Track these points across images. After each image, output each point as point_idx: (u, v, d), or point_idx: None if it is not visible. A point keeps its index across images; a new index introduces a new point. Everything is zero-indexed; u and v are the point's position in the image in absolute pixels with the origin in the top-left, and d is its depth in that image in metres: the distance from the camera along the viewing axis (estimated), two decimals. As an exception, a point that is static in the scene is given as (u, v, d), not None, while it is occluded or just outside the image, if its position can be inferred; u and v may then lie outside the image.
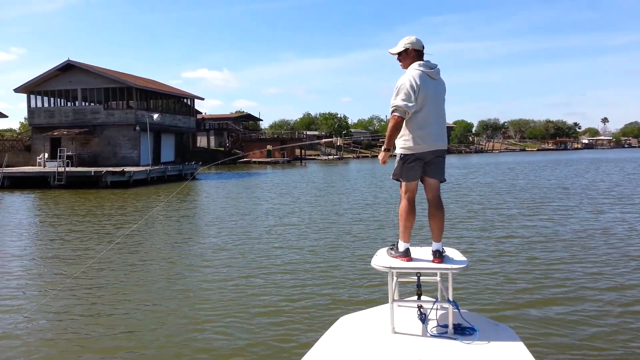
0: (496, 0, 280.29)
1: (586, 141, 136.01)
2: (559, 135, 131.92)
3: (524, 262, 8.89)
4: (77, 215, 16.58)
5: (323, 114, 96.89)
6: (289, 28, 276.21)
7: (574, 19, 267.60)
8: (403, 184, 3.64)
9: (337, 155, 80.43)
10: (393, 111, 3.49)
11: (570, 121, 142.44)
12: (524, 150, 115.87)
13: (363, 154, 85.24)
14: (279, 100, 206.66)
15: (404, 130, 3.56)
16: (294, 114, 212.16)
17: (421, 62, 3.58)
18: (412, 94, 3.43)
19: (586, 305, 6.51)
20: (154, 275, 8.54)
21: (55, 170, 28.21)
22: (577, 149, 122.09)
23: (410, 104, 3.43)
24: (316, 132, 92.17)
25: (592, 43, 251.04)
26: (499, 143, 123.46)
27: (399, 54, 3.69)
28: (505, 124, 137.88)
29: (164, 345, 5.56)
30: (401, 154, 3.60)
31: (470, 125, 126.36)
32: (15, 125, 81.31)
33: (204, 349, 5.43)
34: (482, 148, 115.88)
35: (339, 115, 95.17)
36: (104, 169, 28.68)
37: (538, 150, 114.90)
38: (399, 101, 3.45)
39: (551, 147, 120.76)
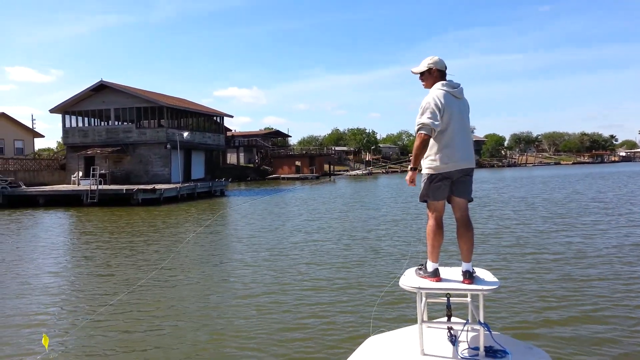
0: (527, 11, 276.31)
1: (623, 154, 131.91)
2: (595, 148, 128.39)
3: (559, 280, 8.51)
4: (109, 233, 16.83)
5: (351, 129, 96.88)
6: (317, 45, 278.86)
7: (608, 30, 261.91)
8: (430, 203, 3.62)
9: (366, 170, 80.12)
10: (419, 129, 3.46)
11: (606, 133, 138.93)
12: (558, 163, 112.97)
13: (392, 169, 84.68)
14: (308, 116, 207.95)
15: (430, 150, 3.55)
16: (322, 130, 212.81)
17: (444, 81, 3.59)
18: (437, 112, 3.43)
19: (626, 326, 6.15)
20: (182, 292, 8.52)
21: (88, 189, 28.84)
22: (614, 162, 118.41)
23: (436, 122, 3.42)
24: (345, 148, 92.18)
25: (628, 54, 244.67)
26: (532, 156, 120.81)
27: (422, 73, 3.70)
28: (539, 137, 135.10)
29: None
30: (428, 174, 3.59)
31: (502, 139, 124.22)
32: (53, 145, 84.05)
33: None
34: (515, 162, 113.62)
35: (367, 131, 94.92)
36: (136, 187, 29.17)
37: (573, 163, 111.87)
38: (425, 119, 3.43)
39: (587, 161, 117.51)
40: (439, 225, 3.60)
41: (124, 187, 29.92)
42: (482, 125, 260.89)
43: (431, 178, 3.57)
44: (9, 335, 6.50)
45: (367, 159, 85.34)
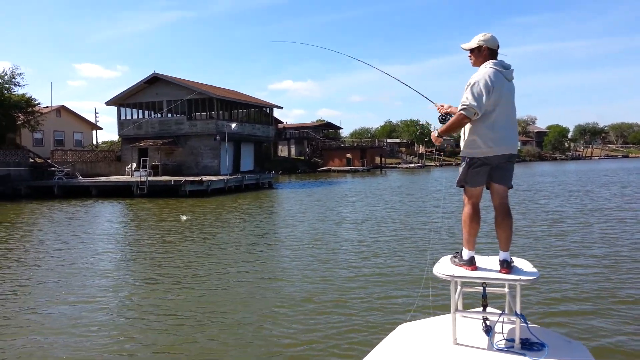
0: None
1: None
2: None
3: (604, 274, 8.13)
4: (152, 221, 16.68)
5: (404, 121, 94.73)
6: (371, 36, 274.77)
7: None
8: (467, 189, 3.50)
9: (418, 163, 78.17)
10: (462, 109, 3.28)
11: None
12: (627, 156, 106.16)
13: (446, 162, 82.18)
14: (362, 108, 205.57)
15: (472, 132, 3.39)
16: (375, 122, 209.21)
17: (495, 60, 3.42)
18: (484, 93, 3.25)
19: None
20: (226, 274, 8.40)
21: (139, 180, 29.21)
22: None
23: (482, 104, 3.25)
24: (397, 140, 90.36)
25: None
26: (598, 149, 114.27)
27: (471, 50, 3.53)
28: (605, 128, 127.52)
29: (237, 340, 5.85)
30: (468, 158, 3.44)
31: (566, 130, 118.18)
32: (116, 137, 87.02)
33: (262, 346, 5.59)
34: (579, 154, 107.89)
35: (421, 122, 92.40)
36: (184, 179, 29.29)
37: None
38: (470, 100, 3.26)
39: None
40: (476, 212, 3.48)
41: (173, 178, 30.11)
42: (544, 116, 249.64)
43: (470, 163, 3.42)
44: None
45: (420, 151, 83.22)
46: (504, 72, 3.35)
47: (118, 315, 6.78)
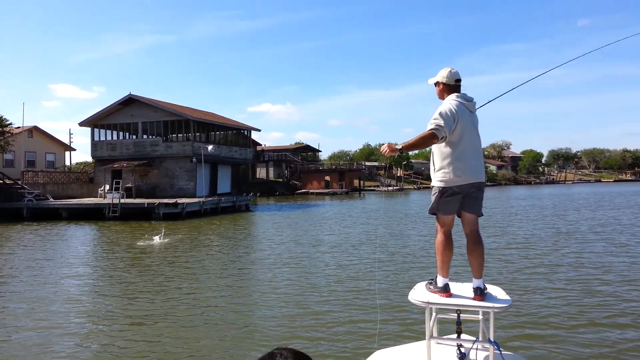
0: (565, 26, 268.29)
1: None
2: (638, 166, 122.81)
3: (577, 298, 8.18)
4: (123, 245, 16.15)
5: (382, 144, 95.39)
6: (350, 61, 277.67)
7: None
8: (439, 217, 3.58)
9: (397, 186, 78.53)
10: (432, 128, 3.36)
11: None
12: (599, 181, 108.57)
13: (424, 185, 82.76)
14: (340, 132, 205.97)
15: (441, 163, 3.51)
16: (353, 145, 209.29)
17: (458, 94, 3.60)
18: (452, 120, 3.42)
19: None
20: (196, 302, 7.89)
21: (111, 202, 28.50)
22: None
23: (450, 128, 3.39)
24: (375, 163, 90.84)
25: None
26: (571, 174, 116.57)
27: (435, 84, 3.75)
28: (578, 153, 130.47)
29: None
30: (439, 187, 3.54)
31: (540, 155, 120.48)
32: (90, 158, 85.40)
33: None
34: (553, 179, 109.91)
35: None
36: (157, 201, 28.68)
37: (615, 181, 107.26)
38: (441, 121, 3.38)
39: (629, 178, 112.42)
40: (448, 240, 3.56)
41: (146, 201, 29.46)
42: (518, 141, 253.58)
43: (442, 192, 3.50)
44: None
45: (398, 174, 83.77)
46: (467, 104, 3.53)
47: (88, 342, 6.56)
